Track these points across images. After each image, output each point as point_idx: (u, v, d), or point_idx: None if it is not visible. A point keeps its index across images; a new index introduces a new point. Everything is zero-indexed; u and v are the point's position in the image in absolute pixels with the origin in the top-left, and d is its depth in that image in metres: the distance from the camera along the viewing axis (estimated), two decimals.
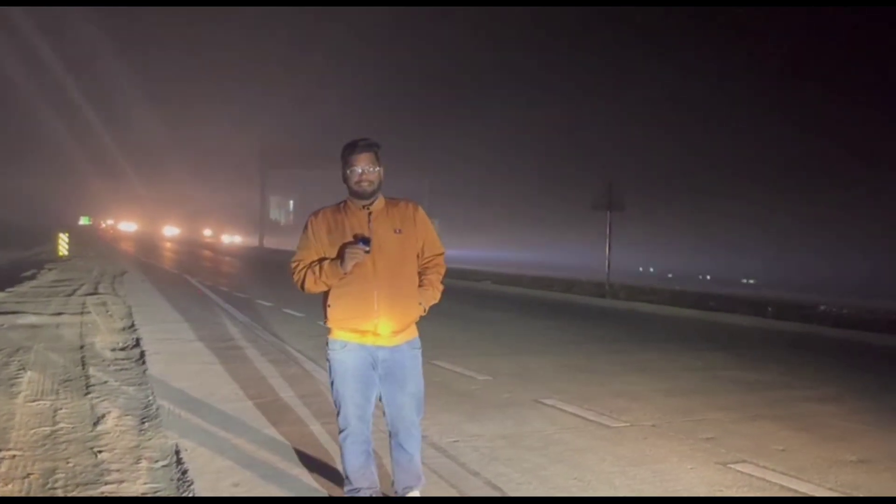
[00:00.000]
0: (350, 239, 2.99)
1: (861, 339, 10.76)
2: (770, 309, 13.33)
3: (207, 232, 78.94)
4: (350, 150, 3.06)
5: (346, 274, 2.95)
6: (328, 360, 3.12)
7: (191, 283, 16.98)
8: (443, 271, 3.25)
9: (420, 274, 3.18)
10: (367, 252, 2.94)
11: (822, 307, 14.10)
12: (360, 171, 3.02)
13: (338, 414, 3.12)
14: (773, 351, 9.51)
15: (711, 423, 5.23)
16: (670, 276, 39.87)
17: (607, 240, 17.32)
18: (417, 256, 3.17)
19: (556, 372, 7.05)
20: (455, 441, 4.54)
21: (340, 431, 3.10)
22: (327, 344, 3.12)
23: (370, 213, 3.07)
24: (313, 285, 3.04)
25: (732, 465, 4.26)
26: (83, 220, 79.70)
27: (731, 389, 6.53)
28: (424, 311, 3.15)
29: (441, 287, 3.22)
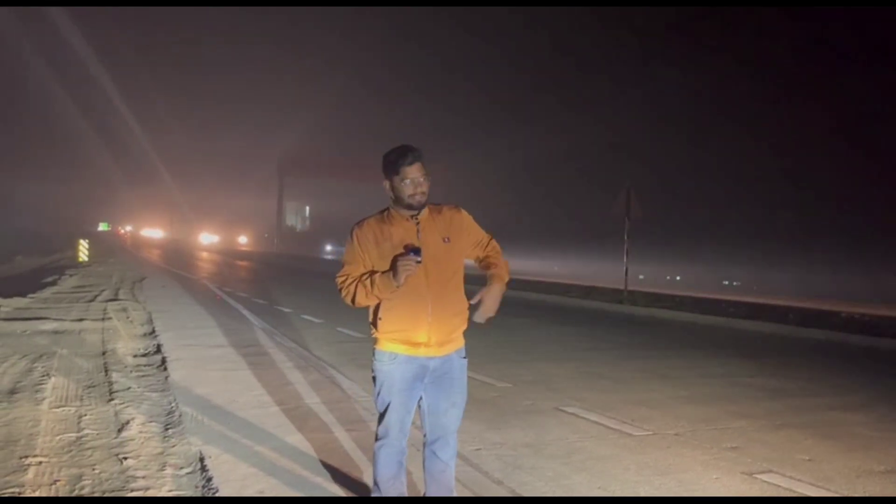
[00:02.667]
0: (399, 250, 2.93)
1: (887, 346, 10.61)
2: (791, 315, 13.19)
3: (243, 239, 75.02)
4: (402, 159, 2.93)
5: (398, 286, 2.88)
6: (374, 370, 3.05)
7: (209, 289, 17.09)
8: (500, 249, 3.23)
9: (487, 258, 3.15)
10: (419, 263, 2.87)
11: (844, 313, 13.93)
12: (415, 182, 2.93)
13: (378, 422, 3.06)
14: (795, 358, 9.40)
15: (735, 432, 5.18)
16: (678, 277, 39.40)
17: (625, 246, 17.22)
18: (477, 250, 3.16)
19: (576, 379, 7.01)
20: (478, 449, 4.53)
21: (377, 439, 3.06)
22: (374, 355, 3.04)
23: (419, 223, 3.00)
24: (365, 299, 2.95)
25: (758, 475, 4.21)
26: (102, 227, 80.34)
27: (755, 397, 6.46)
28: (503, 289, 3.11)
29: (506, 262, 3.21)
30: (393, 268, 2.88)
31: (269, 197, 71.30)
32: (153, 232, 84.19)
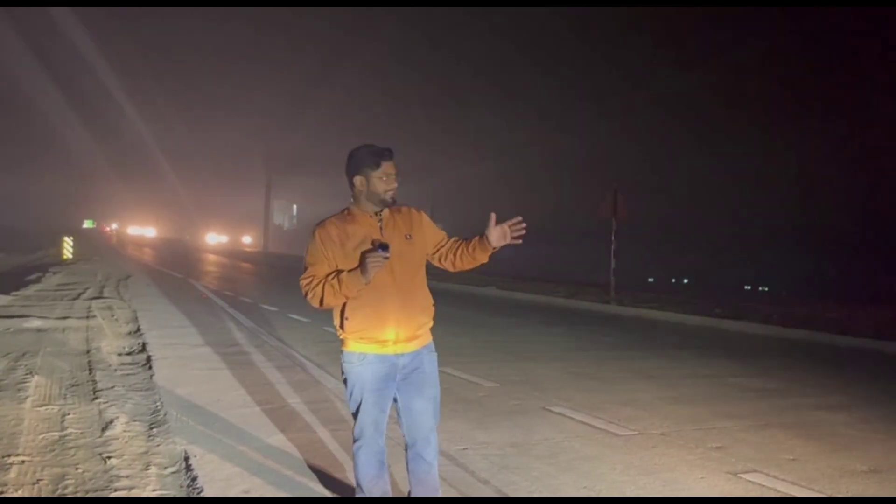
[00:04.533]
0: (364, 247, 2.93)
1: (871, 346, 10.71)
2: (776, 316, 13.29)
3: (247, 239, 68.72)
4: (380, 156, 2.96)
5: (367, 283, 2.87)
6: (344, 372, 3.04)
7: (195, 288, 16.99)
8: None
9: (454, 252, 3.11)
10: (387, 258, 2.87)
11: (830, 314, 14.05)
12: (391, 177, 2.97)
13: (354, 423, 3.05)
14: (780, 359, 9.47)
15: (720, 432, 5.21)
16: (651, 280, 39.16)
17: (612, 246, 17.28)
18: (437, 250, 3.16)
19: (563, 379, 7.03)
20: (464, 449, 4.53)
21: (354, 441, 3.05)
22: (342, 356, 3.04)
23: (381, 221, 3.03)
24: (333, 299, 2.91)
25: (742, 475, 4.24)
26: (87, 224, 79.53)
27: (740, 397, 6.50)
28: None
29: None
30: (361, 264, 2.86)
31: (249, 194, 70.28)
32: (146, 230, 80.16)
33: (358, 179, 2.98)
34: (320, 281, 2.92)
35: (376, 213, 3.02)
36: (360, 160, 2.97)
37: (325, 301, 2.92)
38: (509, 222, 3.00)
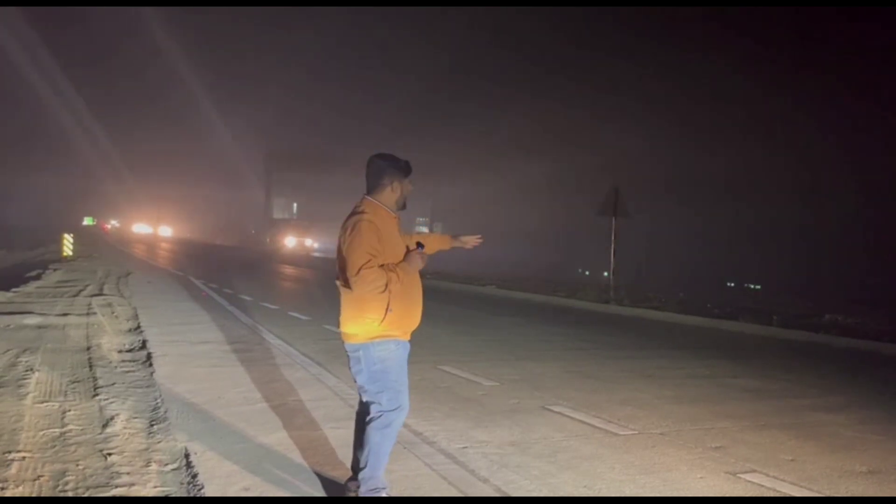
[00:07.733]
0: (398, 242, 3.34)
1: (869, 348, 10.72)
2: (775, 317, 13.29)
3: (290, 241, 52.70)
4: (407, 168, 3.41)
5: (414, 274, 3.33)
6: (379, 360, 3.28)
7: (195, 285, 16.98)
8: None
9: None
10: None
11: (828, 316, 14.06)
12: (411, 187, 3.43)
13: (389, 410, 3.29)
14: (779, 359, 9.48)
15: (720, 432, 5.22)
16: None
17: (612, 246, 17.28)
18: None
19: (563, 378, 7.04)
20: (464, 447, 4.54)
21: (385, 427, 3.28)
22: (376, 346, 3.28)
23: (399, 221, 3.46)
24: (395, 286, 3.21)
25: (742, 475, 4.25)
26: (87, 221, 79.40)
27: (739, 398, 6.51)
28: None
29: None
30: (409, 259, 3.30)
31: (248, 191, 69.40)
32: (161, 229, 74.29)
33: (395, 183, 3.40)
34: (383, 269, 3.22)
35: (396, 215, 3.45)
36: (400, 168, 3.40)
37: (391, 287, 3.20)
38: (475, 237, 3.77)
